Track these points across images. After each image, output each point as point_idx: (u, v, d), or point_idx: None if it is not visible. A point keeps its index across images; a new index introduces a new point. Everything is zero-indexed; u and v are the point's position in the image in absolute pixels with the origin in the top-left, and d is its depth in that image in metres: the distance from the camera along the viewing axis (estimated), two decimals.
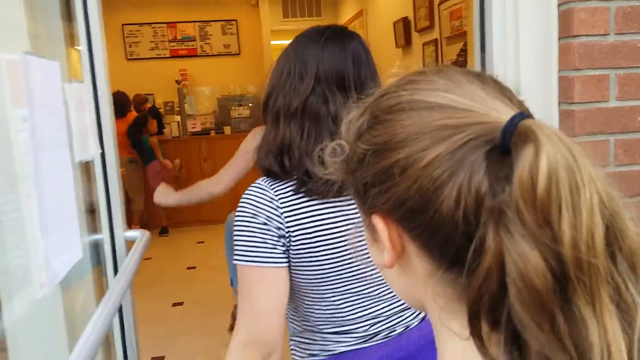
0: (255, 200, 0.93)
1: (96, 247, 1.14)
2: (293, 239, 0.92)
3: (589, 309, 0.34)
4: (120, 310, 1.13)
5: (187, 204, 1.97)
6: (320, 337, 1.00)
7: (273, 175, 0.94)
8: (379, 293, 1.00)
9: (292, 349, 1.06)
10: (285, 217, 0.92)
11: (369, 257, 0.51)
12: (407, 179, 0.40)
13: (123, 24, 8.24)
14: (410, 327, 1.03)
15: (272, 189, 0.93)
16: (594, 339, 0.34)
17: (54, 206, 0.83)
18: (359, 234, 0.52)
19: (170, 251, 4.88)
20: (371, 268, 0.95)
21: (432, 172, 0.39)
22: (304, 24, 8.29)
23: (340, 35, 1.01)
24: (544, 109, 1.21)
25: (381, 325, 1.00)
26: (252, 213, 0.92)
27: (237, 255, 0.92)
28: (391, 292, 1.01)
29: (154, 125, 5.52)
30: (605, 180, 0.36)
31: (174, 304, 3.64)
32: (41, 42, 1.02)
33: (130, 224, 5.27)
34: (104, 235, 1.10)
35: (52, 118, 0.85)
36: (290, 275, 0.95)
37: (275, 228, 0.92)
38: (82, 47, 1.07)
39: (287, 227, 0.92)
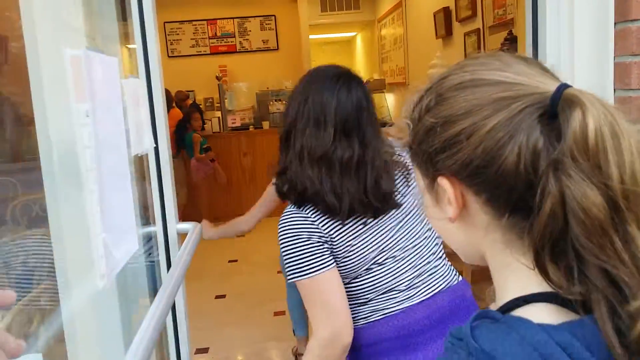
0: (292, 225, 1.10)
1: (149, 240, 1.17)
2: (334, 240, 1.10)
3: (637, 229, 0.44)
4: (172, 304, 1.16)
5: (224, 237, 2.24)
6: (365, 305, 1.15)
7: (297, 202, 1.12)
8: (414, 257, 1.16)
9: None
10: (322, 226, 1.09)
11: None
12: (473, 143, 0.49)
13: (165, 22, 8.39)
14: (442, 290, 1.16)
15: (302, 210, 1.11)
16: None
17: (114, 199, 0.85)
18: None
19: (212, 245, 4.95)
20: (407, 237, 1.16)
21: (495, 135, 0.48)
22: (342, 17, 8.25)
23: (349, 82, 1.16)
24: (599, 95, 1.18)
25: (419, 287, 1.15)
26: (294, 234, 1.09)
27: (294, 274, 1.08)
28: (424, 256, 1.17)
29: (199, 121, 5.62)
30: (637, 131, 0.46)
31: (217, 297, 3.70)
32: (97, 40, 1.05)
33: None
34: (156, 228, 1.13)
35: (111, 113, 0.87)
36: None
37: (317, 238, 1.09)
38: (137, 44, 1.10)
39: (327, 233, 1.09)
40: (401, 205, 1.16)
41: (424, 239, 1.18)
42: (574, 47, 1.17)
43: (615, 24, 1.16)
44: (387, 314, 1.12)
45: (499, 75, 0.50)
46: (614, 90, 1.18)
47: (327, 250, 1.08)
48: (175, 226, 1.15)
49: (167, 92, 5.59)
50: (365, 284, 1.14)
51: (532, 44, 1.26)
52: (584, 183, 0.43)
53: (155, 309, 0.82)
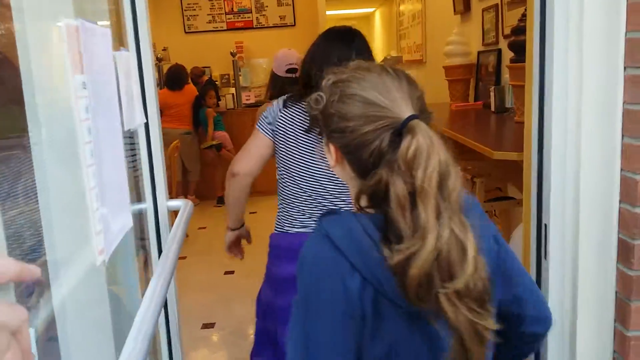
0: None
1: (139, 217, 1.16)
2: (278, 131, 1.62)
3: (423, 212, 0.73)
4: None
5: (240, 213, 1.90)
6: (287, 215, 1.64)
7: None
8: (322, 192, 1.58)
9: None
10: (278, 116, 1.64)
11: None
12: (351, 136, 0.81)
13: None
14: None
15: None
16: (426, 225, 0.73)
17: (109, 173, 0.84)
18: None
19: (224, 221, 4.99)
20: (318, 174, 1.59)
21: (365, 137, 0.80)
22: None
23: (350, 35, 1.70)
24: (606, 73, 1.13)
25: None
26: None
27: (258, 122, 1.67)
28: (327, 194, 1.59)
29: (213, 98, 5.61)
30: (446, 157, 0.76)
31: (226, 272, 3.73)
32: (86, 12, 1.03)
33: (186, 194, 5.41)
34: (147, 205, 1.12)
35: (106, 86, 0.86)
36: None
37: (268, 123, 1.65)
38: (127, 16, 1.08)
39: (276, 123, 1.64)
40: None
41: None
42: (583, 21, 1.12)
43: None
44: (289, 233, 1.62)
45: (374, 96, 0.80)
46: (624, 68, 1.13)
47: (270, 133, 1.63)
48: (166, 203, 1.14)
49: (182, 68, 5.57)
50: (296, 197, 1.61)
51: (540, 20, 1.20)
52: (399, 179, 0.75)
53: (145, 312, 0.78)
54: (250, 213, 5.28)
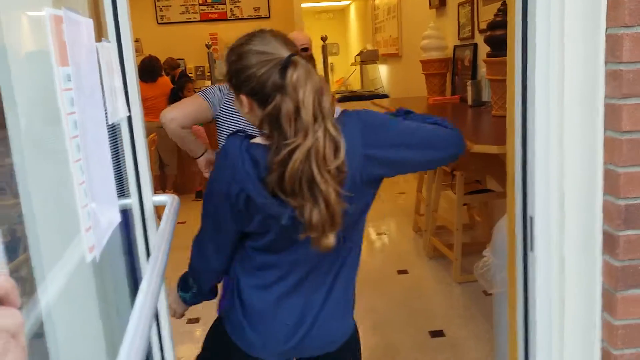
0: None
1: (124, 212, 1.13)
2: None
3: (305, 117, 1.07)
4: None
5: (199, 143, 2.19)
6: None
7: None
8: None
9: None
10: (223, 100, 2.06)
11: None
12: (255, 80, 1.10)
13: None
14: None
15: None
16: (307, 126, 1.08)
17: (95, 168, 0.81)
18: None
19: None
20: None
21: (263, 77, 1.09)
22: None
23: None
24: (588, 68, 1.14)
25: None
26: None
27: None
28: None
29: (191, 91, 5.52)
30: (320, 81, 1.10)
31: None
32: (64, 1, 0.99)
33: (164, 189, 5.34)
34: (132, 200, 1.09)
35: (90, 78, 0.83)
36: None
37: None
38: (107, 6, 1.05)
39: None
40: None
41: None
42: (564, 14, 1.13)
43: None
44: None
45: (265, 48, 1.10)
46: (605, 63, 1.14)
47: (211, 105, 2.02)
48: (151, 198, 1.12)
49: (156, 60, 5.47)
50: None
51: (522, 12, 1.21)
52: (287, 98, 1.06)
53: (140, 313, 0.73)
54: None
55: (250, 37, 1.13)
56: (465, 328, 2.66)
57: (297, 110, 1.05)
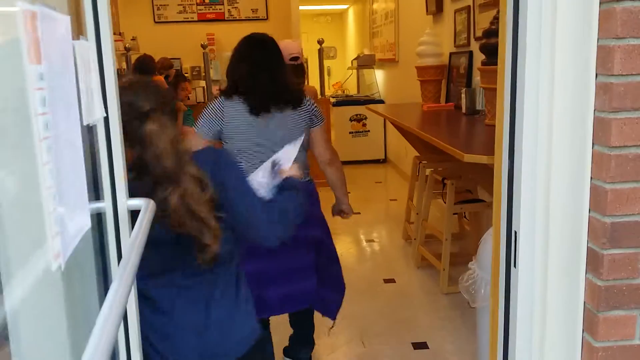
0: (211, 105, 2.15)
1: (98, 217, 1.10)
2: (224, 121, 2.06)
3: (168, 165, 1.21)
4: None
5: None
6: None
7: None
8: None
9: None
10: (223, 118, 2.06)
11: None
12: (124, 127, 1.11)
13: None
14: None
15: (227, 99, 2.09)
16: (173, 174, 1.19)
17: (66, 171, 0.78)
18: None
19: None
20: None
21: (127, 128, 1.12)
22: None
23: (262, 43, 2.14)
24: (578, 80, 1.12)
25: None
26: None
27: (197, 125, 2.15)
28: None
29: (186, 90, 5.47)
30: (175, 133, 1.24)
31: None
32: None
33: None
34: (105, 204, 1.06)
35: (64, 77, 0.80)
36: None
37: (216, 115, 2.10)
38: (87, 3, 1.01)
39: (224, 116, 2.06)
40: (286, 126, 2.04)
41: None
42: (555, 25, 1.10)
43: (600, 3, 1.09)
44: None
45: (130, 100, 1.22)
46: (596, 75, 1.12)
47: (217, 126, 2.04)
48: (126, 202, 1.08)
49: (151, 59, 5.44)
50: (245, 160, 2.00)
51: (512, 23, 1.19)
52: (150, 149, 1.20)
53: (106, 316, 0.70)
54: None
55: (126, 87, 1.22)
56: (450, 340, 2.63)
57: (158, 158, 1.19)
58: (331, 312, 2.22)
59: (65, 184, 0.76)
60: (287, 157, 1.68)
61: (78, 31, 1.07)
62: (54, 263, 0.71)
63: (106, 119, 1.04)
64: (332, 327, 2.43)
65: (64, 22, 0.80)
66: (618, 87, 1.08)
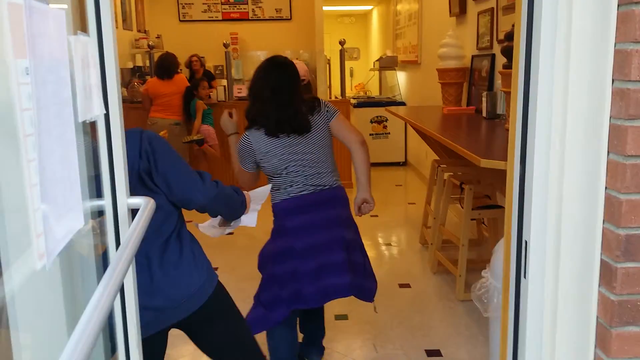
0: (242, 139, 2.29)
1: (100, 215, 1.09)
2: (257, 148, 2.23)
3: None
4: (121, 288, 1.08)
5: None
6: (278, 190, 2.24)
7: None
8: (308, 168, 2.21)
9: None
10: (254, 143, 2.23)
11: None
12: None
13: None
14: (321, 190, 2.23)
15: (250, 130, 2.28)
16: None
17: (56, 169, 0.77)
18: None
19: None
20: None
21: None
22: None
23: (280, 67, 2.28)
24: (594, 86, 1.07)
25: (309, 185, 2.21)
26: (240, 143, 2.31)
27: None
28: (314, 167, 2.23)
29: (206, 89, 5.50)
30: None
31: None
32: None
33: None
34: (105, 202, 1.05)
35: (56, 72, 0.79)
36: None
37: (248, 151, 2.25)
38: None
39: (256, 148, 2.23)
40: (308, 135, 2.20)
41: (317, 159, 2.21)
42: (572, 28, 1.06)
43: (618, 5, 1.04)
44: (291, 197, 2.19)
45: None
46: (612, 81, 1.07)
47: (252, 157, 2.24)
48: (126, 201, 1.07)
49: (173, 57, 5.47)
50: (278, 179, 2.21)
51: (527, 27, 1.14)
52: None
53: (102, 291, 0.73)
54: None
55: None
56: (465, 349, 2.57)
57: None
58: (369, 298, 2.37)
59: (54, 182, 0.75)
60: (260, 198, 1.95)
61: (81, 26, 1.06)
62: (38, 263, 0.70)
63: (107, 116, 1.03)
64: (375, 307, 2.60)
65: (57, 16, 0.78)
66: (635, 93, 1.03)
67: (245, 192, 1.87)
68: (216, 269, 3.88)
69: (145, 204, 1.05)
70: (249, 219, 1.90)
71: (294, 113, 2.17)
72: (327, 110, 2.27)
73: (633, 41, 1.02)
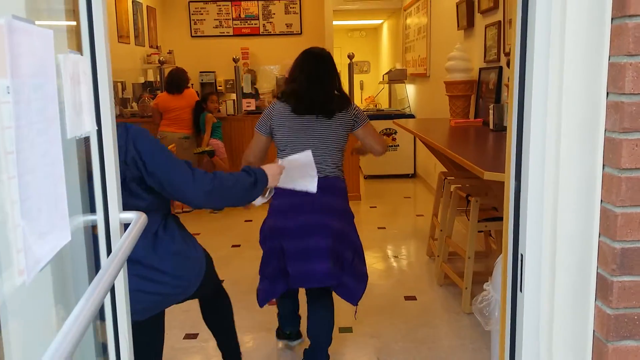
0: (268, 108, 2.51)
1: (93, 230, 1.10)
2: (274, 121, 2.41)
3: None
4: (112, 293, 1.09)
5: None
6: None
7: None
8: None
9: None
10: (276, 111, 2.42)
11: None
12: None
13: (189, 1, 8.35)
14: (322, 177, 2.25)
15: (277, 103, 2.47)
16: None
17: (40, 185, 0.78)
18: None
19: (219, 228, 4.94)
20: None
21: None
22: (367, 4, 8.08)
23: (317, 56, 2.46)
24: (589, 99, 1.06)
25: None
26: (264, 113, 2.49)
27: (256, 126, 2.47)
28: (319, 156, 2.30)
29: (215, 103, 5.54)
30: None
31: None
32: (41, 12, 0.97)
33: None
34: (97, 217, 1.06)
35: (41, 90, 0.80)
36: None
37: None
38: (82, 17, 1.02)
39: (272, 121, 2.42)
40: (324, 126, 2.35)
41: (323, 149, 2.33)
42: (564, 42, 1.05)
43: (612, 19, 1.04)
44: None
45: None
46: (607, 94, 1.06)
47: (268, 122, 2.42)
48: (118, 215, 1.08)
49: (182, 72, 5.53)
50: (283, 154, 2.32)
51: (521, 39, 1.14)
52: None
53: (89, 295, 0.75)
54: (246, 221, 5.23)
55: None
56: None
57: None
58: (352, 298, 2.36)
59: (37, 198, 0.76)
60: (304, 163, 2.07)
61: (76, 44, 1.08)
62: (18, 279, 0.71)
63: (99, 132, 1.05)
64: (356, 312, 2.63)
65: (43, 35, 0.80)
66: (630, 106, 1.02)
67: (262, 167, 1.84)
68: (222, 281, 3.86)
69: (137, 218, 1.06)
70: (309, 184, 2.06)
71: (324, 95, 2.33)
72: (356, 115, 2.41)
73: (626, 54, 1.01)
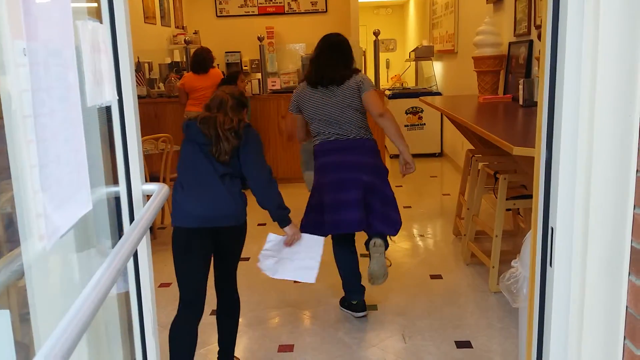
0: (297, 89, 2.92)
1: (118, 200, 1.10)
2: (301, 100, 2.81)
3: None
4: (135, 258, 1.09)
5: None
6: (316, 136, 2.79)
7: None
8: (338, 121, 2.71)
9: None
10: (300, 91, 2.83)
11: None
12: None
13: None
14: (349, 138, 2.72)
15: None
16: None
17: (60, 152, 0.77)
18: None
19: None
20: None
21: None
22: None
23: (333, 41, 2.84)
24: (624, 68, 1.01)
25: (337, 133, 2.72)
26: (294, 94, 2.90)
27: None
28: (343, 122, 2.73)
29: (244, 82, 5.51)
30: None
31: (240, 259, 3.68)
32: None
33: None
34: (120, 188, 1.05)
35: (59, 56, 0.79)
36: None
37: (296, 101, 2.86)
38: None
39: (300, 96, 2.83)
40: (336, 93, 2.69)
41: (339, 115, 2.69)
42: (600, 10, 1.00)
43: None
44: (319, 142, 2.74)
45: None
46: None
47: (296, 102, 2.80)
48: (141, 187, 1.08)
49: (207, 52, 5.52)
50: (312, 126, 2.77)
51: (552, 25, 1.09)
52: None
53: (112, 259, 0.75)
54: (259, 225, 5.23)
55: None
56: (496, 341, 2.51)
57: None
58: (380, 236, 2.69)
59: (57, 165, 0.75)
60: (313, 247, 2.48)
61: (97, 14, 1.07)
62: (39, 243, 0.70)
63: (120, 102, 1.04)
64: (388, 244, 2.82)
65: (62, 1, 0.78)
66: None
67: (293, 223, 2.36)
68: (247, 259, 3.90)
69: (159, 189, 1.05)
70: (307, 274, 2.44)
71: (332, 72, 2.68)
72: (361, 81, 2.69)
73: None
